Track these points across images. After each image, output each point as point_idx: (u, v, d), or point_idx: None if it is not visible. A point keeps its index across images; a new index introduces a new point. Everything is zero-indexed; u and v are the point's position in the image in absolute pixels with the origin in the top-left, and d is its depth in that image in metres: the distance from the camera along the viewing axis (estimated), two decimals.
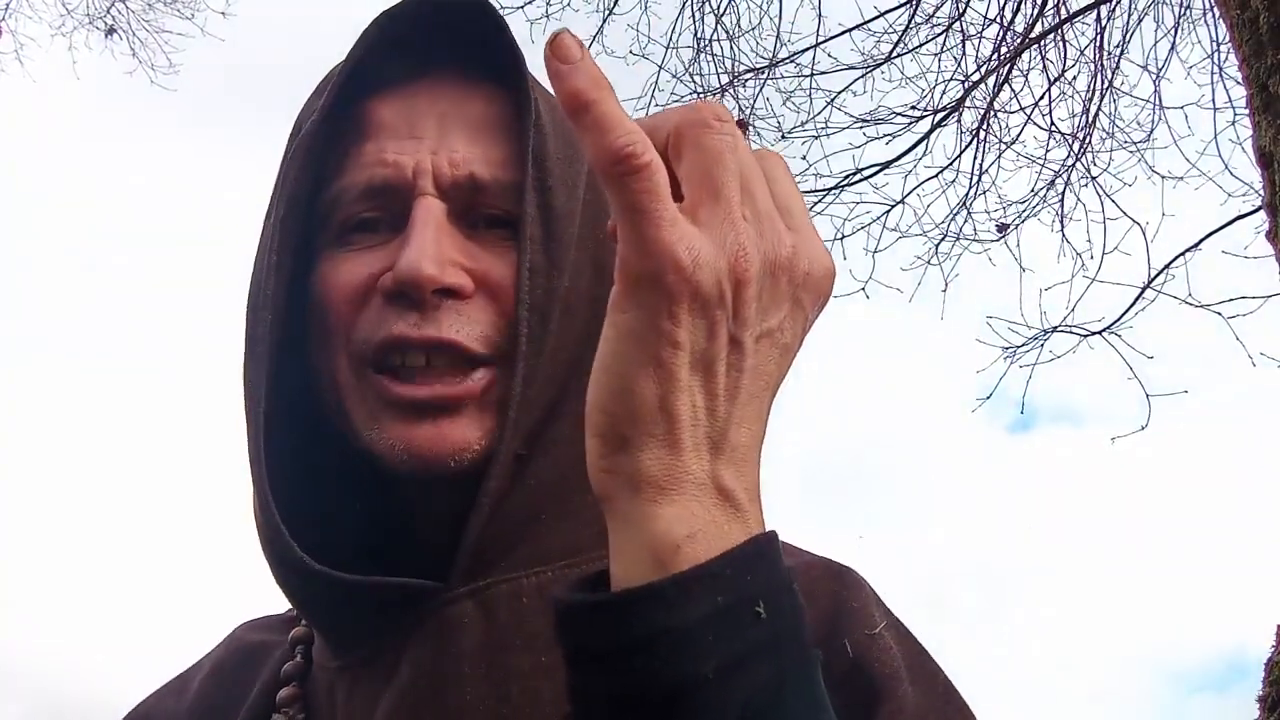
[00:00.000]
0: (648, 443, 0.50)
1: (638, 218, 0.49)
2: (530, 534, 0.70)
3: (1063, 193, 5.59)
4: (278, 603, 0.85)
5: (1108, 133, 5.57)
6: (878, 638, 0.69)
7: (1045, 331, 5.27)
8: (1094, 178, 5.50)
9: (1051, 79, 5.54)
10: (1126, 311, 5.09)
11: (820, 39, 5.62)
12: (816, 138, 5.56)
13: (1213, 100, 5.22)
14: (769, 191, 0.54)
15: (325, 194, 0.76)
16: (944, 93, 5.57)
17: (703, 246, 0.49)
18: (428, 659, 0.68)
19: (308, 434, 0.76)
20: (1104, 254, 5.26)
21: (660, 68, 5.70)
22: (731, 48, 5.81)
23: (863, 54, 5.62)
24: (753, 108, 5.78)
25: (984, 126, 5.60)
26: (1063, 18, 5.41)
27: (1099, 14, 5.41)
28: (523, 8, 5.68)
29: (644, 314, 0.50)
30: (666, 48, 5.74)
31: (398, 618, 0.69)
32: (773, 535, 0.53)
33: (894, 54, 5.56)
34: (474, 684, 0.66)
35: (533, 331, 0.70)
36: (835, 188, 5.46)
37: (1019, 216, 5.60)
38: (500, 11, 0.79)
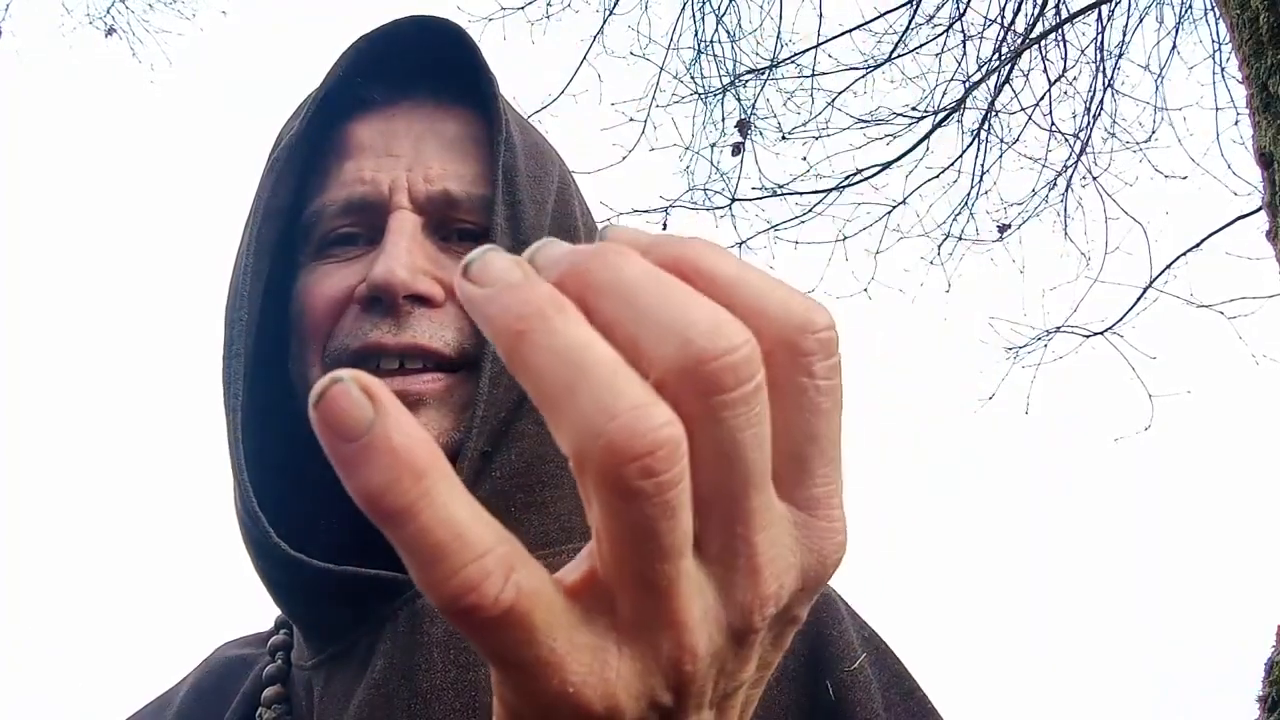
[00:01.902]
0: None
1: (510, 672, 0.32)
2: None
3: (1064, 193, 5.59)
4: (260, 621, 0.86)
5: (1109, 133, 5.57)
6: (857, 673, 0.70)
7: (1047, 332, 5.29)
8: (1095, 178, 5.51)
9: (1052, 79, 5.54)
10: (1128, 312, 5.10)
11: (821, 40, 5.62)
12: (817, 138, 5.56)
13: (1214, 100, 5.22)
14: (767, 482, 0.32)
15: (307, 210, 0.79)
16: (945, 93, 5.57)
17: (620, 676, 0.32)
18: (400, 650, 0.69)
19: (285, 439, 0.78)
20: (1106, 254, 5.26)
21: (661, 68, 5.70)
22: (732, 48, 5.81)
23: (863, 54, 5.63)
24: (753, 108, 5.79)
25: (985, 127, 5.60)
26: (1063, 18, 5.40)
27: (1099, 14, 5.41)
28: (523, 8, 5.68)
29: None
30: (667, 48, 5.75)
31: (373, 610, 0.71)
32: None
33: (894, 54, 5.56)
34: (443, 669, 0.68)
35: None
36: (836, 188, 5.46)
37: (1021, 217, 5.60)
38: (474, 24, 0.82)
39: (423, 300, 0.73)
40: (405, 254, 0.73)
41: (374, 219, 0.76)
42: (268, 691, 0.77)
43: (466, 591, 0.29)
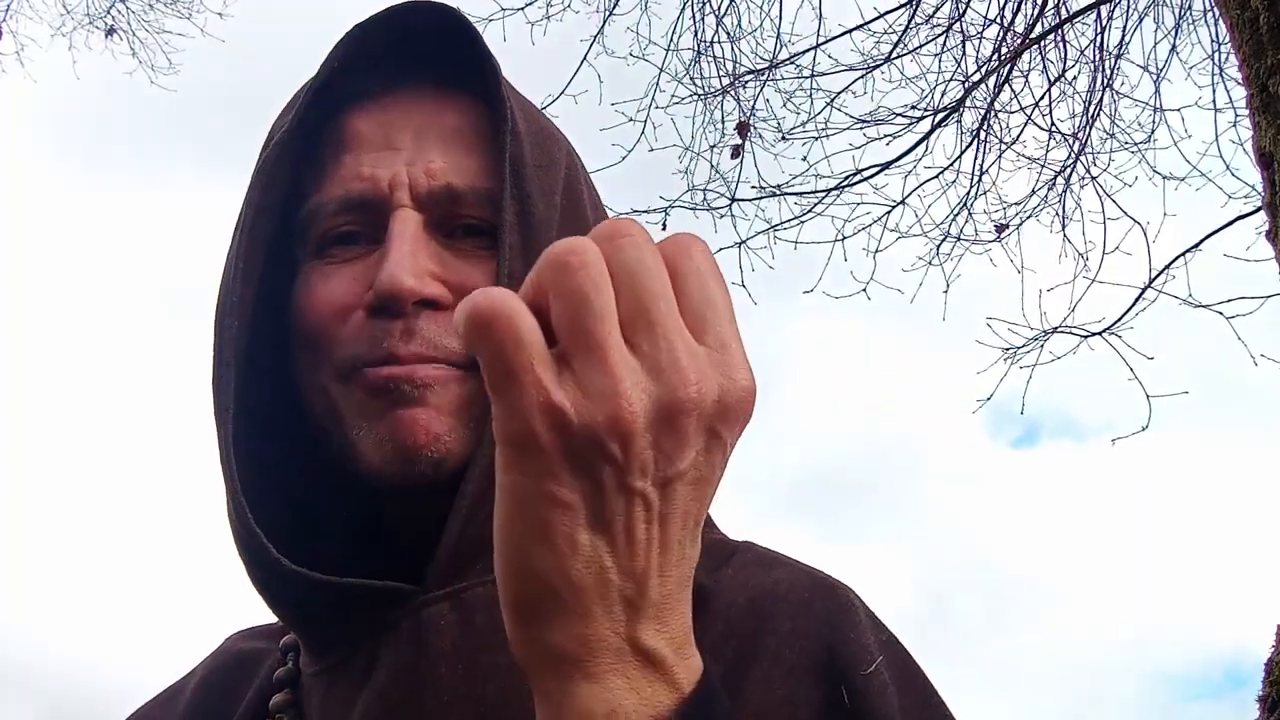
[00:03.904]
0: (556, 615, 0.48)
1: (499, 378, 0.46)
2: None
3: (1063, 193, 5.58)
4: (266, 611, 0.85)
5: (1108, 133, 5.56)
6: (874, 678, 0.67)
7: (1045, 332, 5.26)
8: (1094, 178, 5.50)
9: (1052, 79, 5.53)
10: (1127, 312, 5.08)
11: (820, 40, 5.61)
12: (817, 138, 5.55)
13: (1213, 101, 5.22)
14: (674, 306, 0.48)
15: (304, 207, 0.76)
16: (944, 93, 5.56)
17: (574, 405, 0.46)
18: (405, 661, 0.67)
19: (283, 442, 0.76)
20: (1104, 254, 5.25)
21: (660, 69, 5.69)
22: (732, 49, 5.80)
23: (863, 55, 5.61)
24: (753, 109, 5.78)
25: (984, 127, 5.59)
26: (1063, 18, 5.40)
27: (1099, 14, 5.40)
28: (523, 9, 5.68)
29: (525, 478, 0.47)
30: (667, 49, 5.73)
31: (375, 620, 0.69)
32: (704, 687, 0.51)
33: (894, 55, 5.55)
34: (451, 684, 0.66)
35: None
36: (836, 188, 5.45)
37: (1019, 217, 5.60)
38: (473, 22, 0.80)
39: (431, 303, 0.71)
40: (410, 258, 0.70)
41: (375, 217, 0.74)
42: (276, 698, 0.76)
43: (471, 302, 0.46)
